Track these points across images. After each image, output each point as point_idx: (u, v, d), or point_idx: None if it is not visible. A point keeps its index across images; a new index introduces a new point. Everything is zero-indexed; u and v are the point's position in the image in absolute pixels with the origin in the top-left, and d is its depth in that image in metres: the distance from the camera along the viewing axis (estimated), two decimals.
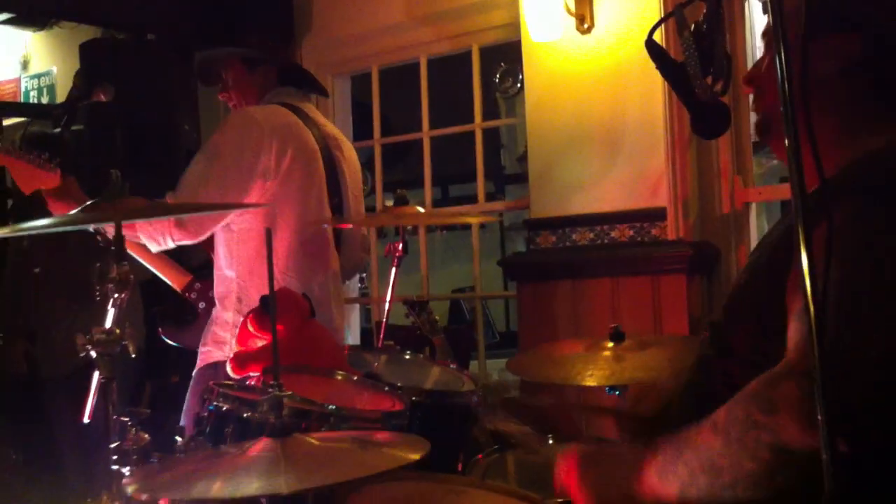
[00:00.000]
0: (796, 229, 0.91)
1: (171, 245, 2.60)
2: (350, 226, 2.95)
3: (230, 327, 2.65)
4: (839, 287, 1.04)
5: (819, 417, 0.89)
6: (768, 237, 1.43)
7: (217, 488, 1.30)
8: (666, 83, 3.39)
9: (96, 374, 1.77)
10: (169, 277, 3.01)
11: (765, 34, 1.45)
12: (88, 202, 2.37)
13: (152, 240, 2.58)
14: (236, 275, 2.70)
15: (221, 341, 2.68)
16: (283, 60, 2.98)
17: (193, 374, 2.75)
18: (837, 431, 0.89)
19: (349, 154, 2.98)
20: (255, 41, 2.92)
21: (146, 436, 1.68)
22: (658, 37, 1.37)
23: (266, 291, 2.48)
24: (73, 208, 2.40)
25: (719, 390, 1.32)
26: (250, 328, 2.15)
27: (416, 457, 1.41)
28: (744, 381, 1.20)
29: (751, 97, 1.46)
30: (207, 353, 2.72)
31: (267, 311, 2.12)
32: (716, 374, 1.39)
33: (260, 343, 2.15)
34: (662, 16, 3.33)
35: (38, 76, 6.17)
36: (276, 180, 2.65)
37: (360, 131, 4.96)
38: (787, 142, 0.91)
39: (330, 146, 2.86)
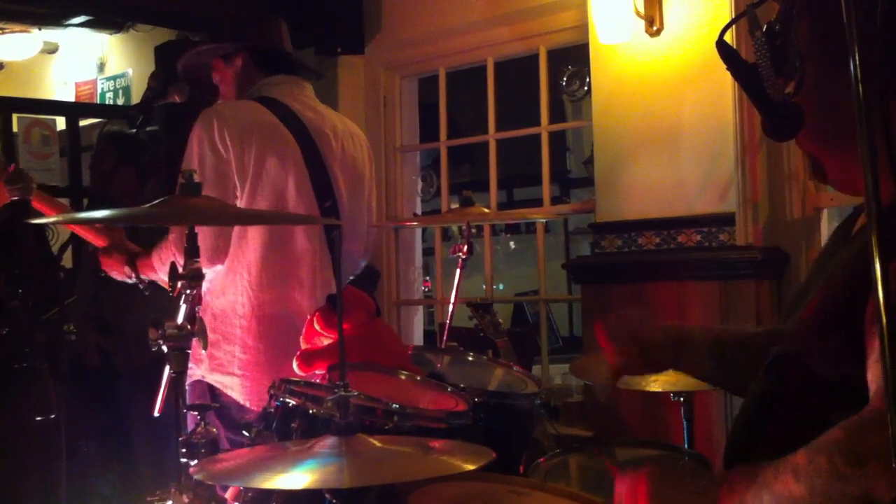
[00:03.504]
0: (872, 259, 0.85)
1: None
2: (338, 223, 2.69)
3: None
4: None
5: None
6: (837, 255, 1.37)
7: (280, 479, 1.33)
8: (736, 85, 3.36)
9: (167, 368, 1.81)
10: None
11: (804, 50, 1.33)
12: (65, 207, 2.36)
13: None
14: (209, 292, 2.52)
15: (198, 358, 2.50)
16: (254, 42, 2.71)
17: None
18: None
19: (348, 150, 2.73)
20: (228, 31, 2.74)
21: (214, 429, 1.71)
22: (729, 37, 1.35)
23: (238, 308, 2.50)
24: (53, 214, 2.42)
25: (790, 412, 1.29)
26: (316, 326, 2.18)
27: (475, 466, 1.41)
28: (817, 408, 1.16)
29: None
30: (190, 370, 2.50)
31: (334, 309, 2.14)
32: (786, 394, 1.35)
33: (326, 341, 2.18)
34: (733, 17, 3.28)
35: (115, 78, 6.33)
36: (247, 185, 2.49)
37: (427, 133, 4.99)
38: (861, 149, 0.86)
39: (318, 144, 2.64)
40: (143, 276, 2.56)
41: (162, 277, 2.50)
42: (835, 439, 1.11)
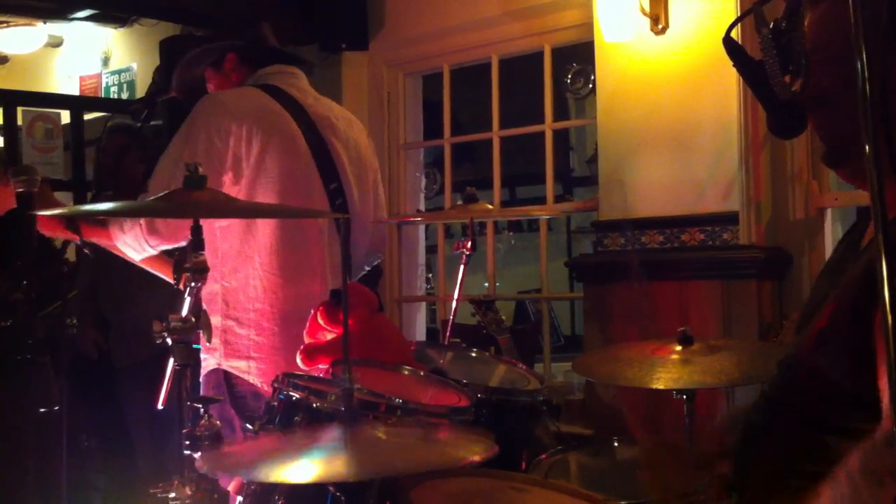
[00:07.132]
0: (879, 270, 0.83)
1: (150, 251, 2.45)
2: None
3: (218, 332, 2.48)
4: None
5: None
6: (847, 269, 1.36)
7: (284, 472, 1.33)
8: (741, 85, 3.38)
9: (171, 361, 1.81)
10: (158, 269, 2.69)
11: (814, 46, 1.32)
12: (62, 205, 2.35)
13: (129, 247, 2.45)
14: (220, 276, 2.51)
15: (212, 348, 2.50)
16: (234, 38, 2.70)
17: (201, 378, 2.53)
18: None
19: (350, 134, 2.72)
20: (214, 36, 2.74)
21: (217, 422, 1.71)
22: (735, 35, 1.35)
23: (251, 292, 2.49)
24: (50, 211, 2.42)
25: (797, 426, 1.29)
26: (320, 321, 2.18)
27: (479, 456, 1.41)
28: (826, 416, 1.16)
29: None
30: (205, 360, 2.52)
31: (338, 304, 2.15)
32: (793, 409, 1.34)
33: (329, 336, 2.18)
34: (739, 14, 3.27)
35: (119, 72, 6.33)
36: (249, 170, 2.47)
37: (430, 130, 4.99)
38: (866, 149, 0.84)
39: (320, 127, 2.62)
40: (87, 239, 2.47)
41: (115, 244, 2.46)
42: (854, 464, 1.09)
